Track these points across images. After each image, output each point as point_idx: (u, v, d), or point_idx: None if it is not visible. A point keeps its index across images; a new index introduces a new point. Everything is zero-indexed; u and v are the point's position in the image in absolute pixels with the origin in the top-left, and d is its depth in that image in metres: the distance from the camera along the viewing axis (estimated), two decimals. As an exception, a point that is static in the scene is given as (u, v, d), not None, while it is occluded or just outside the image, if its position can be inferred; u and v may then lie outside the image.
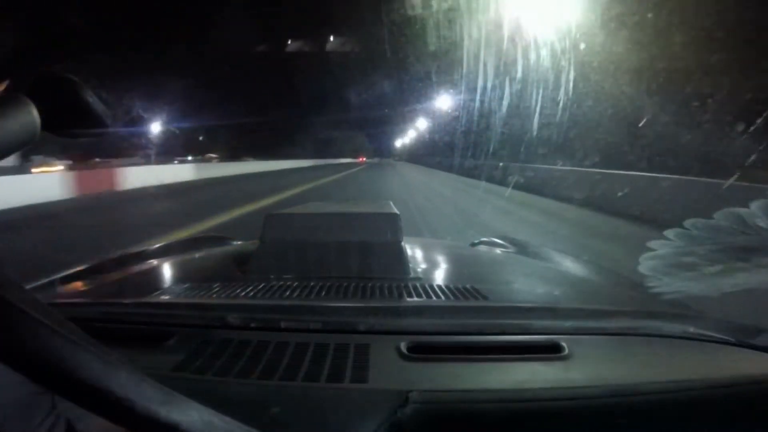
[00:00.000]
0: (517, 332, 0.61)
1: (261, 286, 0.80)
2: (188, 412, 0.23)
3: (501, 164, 11.47)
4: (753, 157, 4.14)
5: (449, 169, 18.81)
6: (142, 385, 0.23)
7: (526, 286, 0.96)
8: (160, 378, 0.25)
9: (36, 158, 16.54)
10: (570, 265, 1.31)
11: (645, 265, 0.80)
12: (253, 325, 0.62)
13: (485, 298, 0.76)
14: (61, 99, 0.35)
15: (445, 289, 0.79)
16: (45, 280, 0.85)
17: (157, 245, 1.32)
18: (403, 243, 1.00)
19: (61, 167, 15.85)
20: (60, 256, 3.48)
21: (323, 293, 0.77)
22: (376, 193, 11.18)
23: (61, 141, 0.39)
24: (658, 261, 0.80)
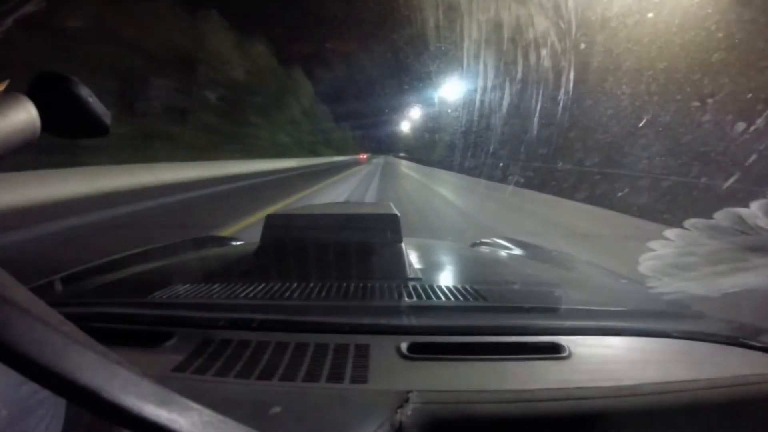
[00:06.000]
0: (517, 332, 0.61)
1: (261, 287, 0.80)
2: (188, 413, 0.23)
3: (501, 164, 11.83)
4: (753, 157, 4.14)
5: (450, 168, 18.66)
6: (141, 386, 0.23)
7: (526, 286, 0.96)
8: (160, 378, 0.25)
9: None
10: (570, 265, 1.32)
11: (645, 265, 0.80)
12: (253, 325, 0.62)
13: (485, 298, 0.76)
14: (61, 99, 0.35)
15: (445, 290, 0.79)
16: (45, 280, 0.85)
17: (158, 245, 1.32)
18: (402, 244, 1.00)
19: None
20: None
21: (323, 293, 0.77)
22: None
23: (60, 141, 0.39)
24: (658, 261, 0.80)
